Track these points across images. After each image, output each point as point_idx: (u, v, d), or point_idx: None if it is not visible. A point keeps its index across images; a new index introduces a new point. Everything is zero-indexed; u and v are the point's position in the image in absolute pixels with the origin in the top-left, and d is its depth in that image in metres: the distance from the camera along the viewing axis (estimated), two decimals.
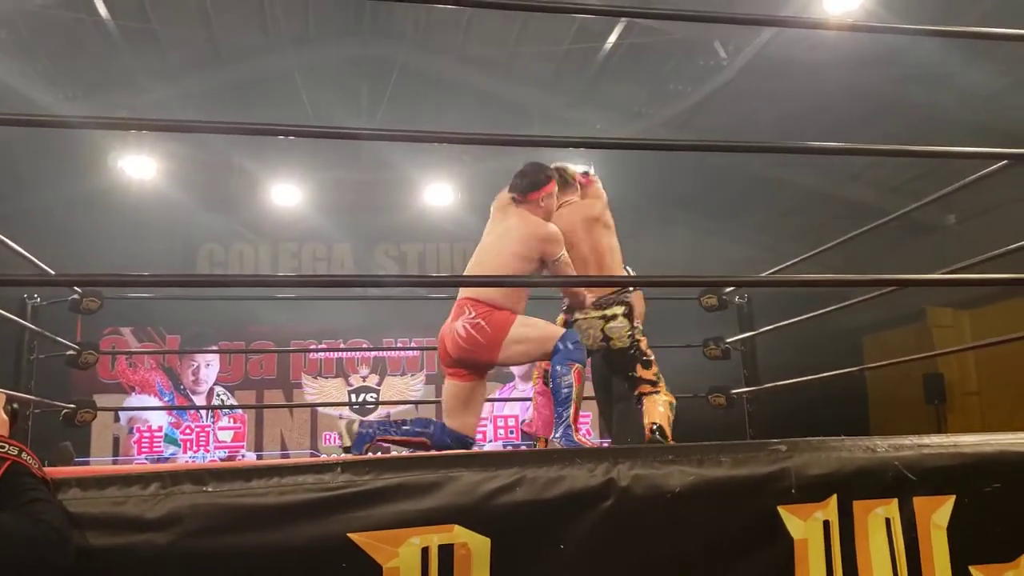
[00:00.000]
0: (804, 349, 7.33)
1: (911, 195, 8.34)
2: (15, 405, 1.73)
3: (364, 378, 11.56)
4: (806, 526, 2.02)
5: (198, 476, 1.76)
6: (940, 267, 4.05)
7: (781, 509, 2.02)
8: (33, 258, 4.24)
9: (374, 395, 11.48)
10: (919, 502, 2.11)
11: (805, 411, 7.96)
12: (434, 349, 11.83)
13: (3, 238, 3.87)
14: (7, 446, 1.52)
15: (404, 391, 11.56)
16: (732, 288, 5.68)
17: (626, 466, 1.98)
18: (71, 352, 5.20)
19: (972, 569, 2.09)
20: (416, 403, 11.28)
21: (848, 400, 10.66)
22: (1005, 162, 3.30)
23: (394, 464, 1.89)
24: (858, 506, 2.07)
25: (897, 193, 10.44)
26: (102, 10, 8.57)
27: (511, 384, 11.51)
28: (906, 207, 4.35)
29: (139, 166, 10.00)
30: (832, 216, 10.59)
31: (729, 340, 5.76)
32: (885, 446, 2.18)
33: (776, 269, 5.33)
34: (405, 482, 1.83)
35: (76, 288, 5.07)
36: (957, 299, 10.51)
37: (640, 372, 3.96)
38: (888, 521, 2.08)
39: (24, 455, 1.53)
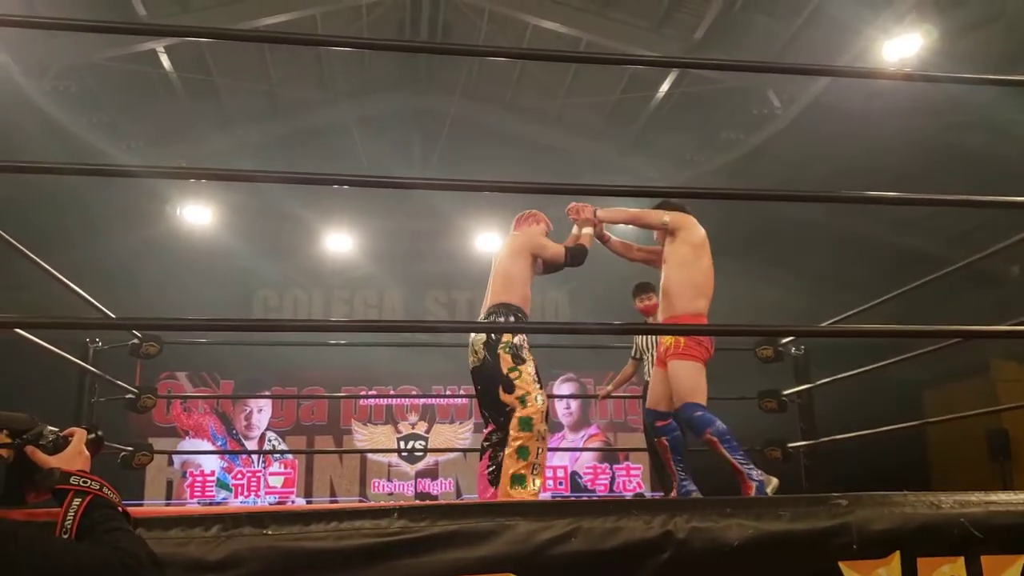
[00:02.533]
0: (862, 402, 7.17)
1: (972, 245, 8.16)
2: (99, 432, 1.79)
3: (413, 425, 11.58)
4: None
5: (258, 519, 1.77)
6: (1004, 319, 3.95)
7: (843, 565, 1.97)
8: (96, 303, 4.35)
9: (423, 442, 11.47)
10: (987, 561, 2.04)
11: (863, 467, 7.76)
12: None
13: (69, 284, 3.98)
14: (90, 481, 1.57)
15: (452, 439, 11.54)
16: (789, 339, 5.60)
17: (684, 519, 1.95)
18: (130, 396, 5.30)
19: None
20: (465, 451, 11.25)
21: (908, 456, 10.37)
22: None
23: (450, 511, 1.88)
24: (923, 563, 2.01)
25: (957, 243, 10.25)
26: (166, 63, 8.87)
27: (561, 434, 11.44)
28: (967, 258, 4.25)
29: (197, 214, 10.25)
30: (890, 267, 10.42)
31: (785, 392, 5.67)
32: (950, 502, 2.12)
33: (833, 320, 5.25)
34: (461, 529, 1.82)
35: (136, 333, 5.19)
36: (1022, 352, 10.23)
37: (503, 396, 3.86)
38: None
39: (105, 490, 1.58)
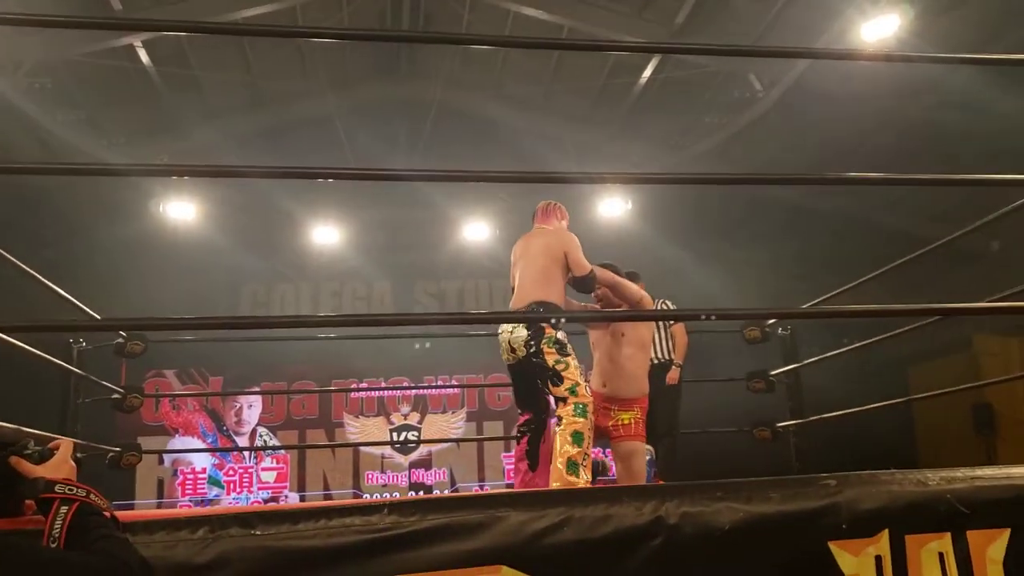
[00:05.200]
0: (849, 381, 7.23)
1: (952, 223, 8.19)
2: (79, 454, 1.80)
3: (405, 416, 11.58)
4: (858, 562, 1.99)
5: (246, 520, 1.77)
6: (986, 294, 3.98)
7: (832, 545, 1.99)
8: (79, 303, 4.32)
9: (416, 433, 11.48)
10: (973, 536, 2.07)
11: (851, 443, 7.84)
12: (473, 386, 11.74)
13: (51, 284, 3.95)
14: (76, 488, 1.57)
15: (446, 429, 11.55)
16: (775, 320, 5.63)
17: (674, 504, 1.96)
18: (116, 396, 5.26)
19: None
20: (458, 440, 11.27)
21: (895, 432, 10.46)
22: None
23: (440, 504, 1.88)
24: (911, 541, 2.03)
25: (938, 221, 10.28)
26: (144, 58, 8.79)
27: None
28: (948, 235, 4.27)
29: (181, 210, 10.18)
30: (872, 246, 10.47)
31: (773, 373, 5.70)
32: (937, 479, 2.14)
33: (818, 300, 5.27)
34: (451, 522, 1.83)
35: (121, 332, 5.15)
36: (1004, 326, 10.31)
37: (553, 389, 3.96)
38: (942, 556, 2.04)
39: (92, 496, 1.58)
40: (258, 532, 1.74)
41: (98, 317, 4.18)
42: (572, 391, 3.89)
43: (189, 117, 10.11)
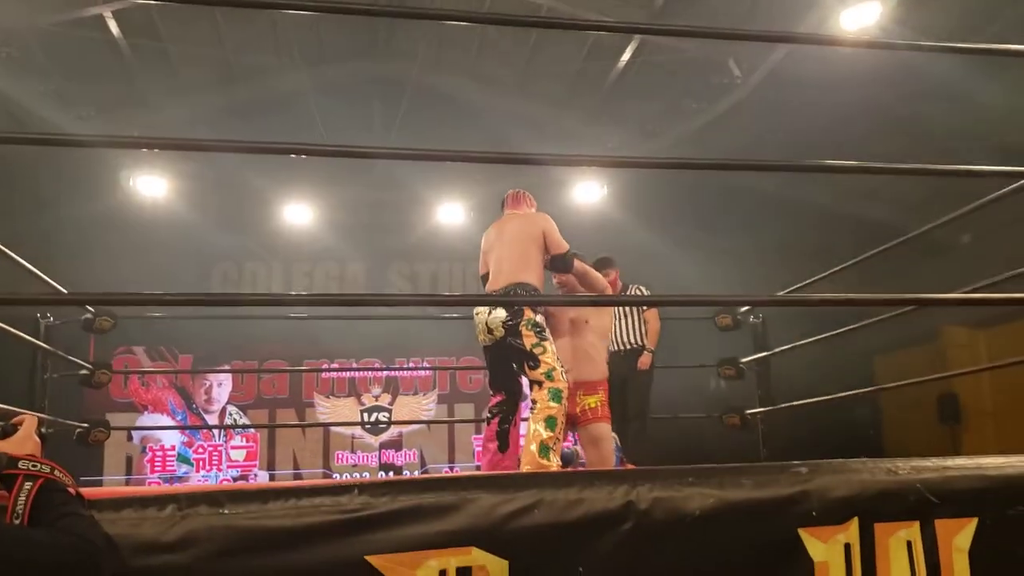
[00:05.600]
0: (818, 369, 7.27)
1: (927, 214, 8.27)
2: (45, 430, 1.77)
3: (376, 397, 11.54)
4: (827, 549, 2.00)
5: (214, 498, 1.74)
6: (956, 287, 4.01)
7: (802, 532, 2.00)
8: (46, 277, 4.25)
9: (386, 414, 11.45)
10: (941, 525, 2.09)
11: (819, 431, 7.90)
12: (445, 369, 11.73)
13: (17, 258, 3.88)
14: (40, 464, 1.54)
15: (417, 410, 11.54)
16: (747, 308, 5.66)
17: (645, 488, 1.96)
18: (84, 371, 5.21)
19: None
20: (429, 423, 11.25)
21: (862, 420, 10.58)
22: (1023, 182, 3.28)
23: (411, 486, 1.87)
24: (880, 529, 2.05)
25: (913, 212, 10.37)
26: (114, 29, 8.64)
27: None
28: (922, 227, 4.31)
29: (152, 185, 10.05)
30: (847, 235, 10.54)
31: (744, 360, 5.74)
32: (907, 468, 2.15)
33: (791, 289, 5.31)
34: (422, 504, 1.81)
35: (89, 308, 5.09)
36: (972, 318, 10.42)
37: (529, 372, 3.97)
38: (910, 544, 2.06)
39: (56, 472, 1.56)
40: (227, 511, 1.71)
41: (65, 292, 4.11)
42: (548, 376, 3.89)
43: (160, 91, 9.97)
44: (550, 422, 3.81)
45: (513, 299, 3.98)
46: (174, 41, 9.44)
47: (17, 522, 1.45)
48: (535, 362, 3.89)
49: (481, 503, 1.84)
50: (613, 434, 4.33)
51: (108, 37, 8.79)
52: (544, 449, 3.77)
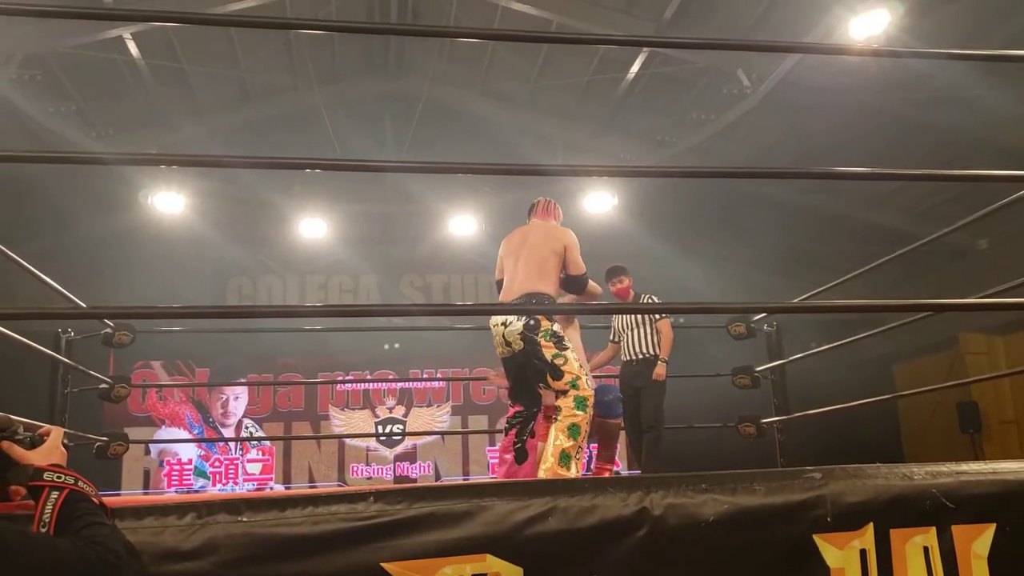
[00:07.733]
0: (834, 377, 7.25)
1: (940, 220, 8.23)
2: (67, 443, 1.79)
3: (391, 409, 11.56)
4: (843, 555, 1.99)
5: (233, 506, 1.76)
6: (973, 292, 3.99)
7: (817, 538, 1.99)
8: (67, 293, 4.30)
9: (400, 426, 11.47)
10: (958, 531, 2.07)
11: (836, 441, 7.86)
12: (458, 380, 11.72)
13: (39, 274, 3.93)
14: (65, 475, 1.57)
15: (430, 422, 11.55)
16: (761, 316, 5.64)
17: (659, 495, 1.96)
18: (104, 385, 5.25)
19: None
20: (443, 433, 11.25)
21: (880, 429, 10.50)
22: None
23: (426, 493, 1.88)
24: (895, 535, 2.03)
25: (926, 218, 10.34)
26: (133, 51, 8.74)
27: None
28: (936, 232, 4.29)
29: (169, 202, 10.14)
30: (860, 242, 10.51)
31: (758, 369, 5.71)
32: (922, 473, 2.14)
33: (804, 297, 5.29)
34: (437, 511, 1.82)
35: (108, 322, 5.14)
36: (991, 325, 10.36)
37: (552, 383, 3.93)
38: (927, 550, 2.04)
39: (81, 483, 1.58)
40: (245, 519, 1.73)
41: (85, 306, 4.16)
42: (574, 384, 3.85)
43: (177, 110, 10.07)
44: (573, 430, 3.78)
45: (525, 308, 3.97)
46: (192, 62, 9.54)
47: (44, 531, 1.48)
48: (558, 373, 3.85)
49: (496, 510, 1.85)
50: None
51: (127, 58, 8.90)
52: (565, 457, 3.74)
